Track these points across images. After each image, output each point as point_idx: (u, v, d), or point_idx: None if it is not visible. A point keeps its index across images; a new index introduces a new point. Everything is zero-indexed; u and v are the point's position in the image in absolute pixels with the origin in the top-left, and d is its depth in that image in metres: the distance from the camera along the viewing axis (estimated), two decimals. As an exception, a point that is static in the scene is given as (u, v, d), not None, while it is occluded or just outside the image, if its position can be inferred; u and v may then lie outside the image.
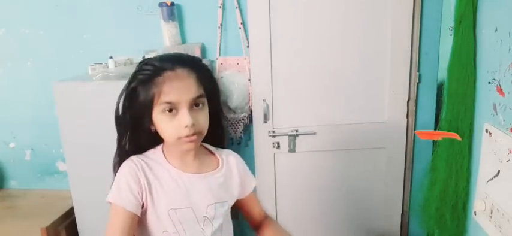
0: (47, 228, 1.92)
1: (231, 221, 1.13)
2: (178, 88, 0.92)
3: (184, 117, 0.92)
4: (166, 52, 1.98)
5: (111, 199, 0.98)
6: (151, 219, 0.98)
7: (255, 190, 1.16)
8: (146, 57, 1.96)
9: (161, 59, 0.97)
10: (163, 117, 0.93)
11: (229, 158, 1.10)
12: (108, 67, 1.87)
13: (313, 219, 2.20)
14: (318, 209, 2.18)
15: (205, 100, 0.97)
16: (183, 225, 0.98)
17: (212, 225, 1.02)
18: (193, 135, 0.93)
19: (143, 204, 0.97)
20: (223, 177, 1.06)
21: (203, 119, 0.96)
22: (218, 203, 1.03)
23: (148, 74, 0.94)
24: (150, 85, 0.92)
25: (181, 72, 0.93)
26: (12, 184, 2.43)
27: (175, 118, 0.93)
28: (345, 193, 2.15)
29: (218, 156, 1.09)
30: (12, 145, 2.37)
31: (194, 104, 0.94)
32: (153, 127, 0.98)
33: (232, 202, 1.09)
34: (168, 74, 0.92)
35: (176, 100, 0.92)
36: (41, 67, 2.21)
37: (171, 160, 1.02)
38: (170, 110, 0.92)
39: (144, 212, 0.98)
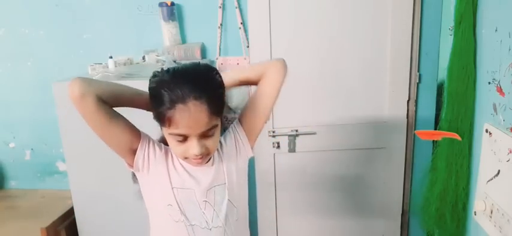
0: (47, 228, 1.92)
1: (246, 226, 1.18)
2: (189, 124, 0.92)
3: (193, 147, 0.95)
4: (166, 52, 1.98)
5: None
6: (160, 191, 1.05)
7: (240, 116, 1.14)
8: (146, 57, 1.97)
9: (176, 79, 0.93)
10: (172, 140, 0.97)
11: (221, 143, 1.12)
12: (108, 67, 1.87)
13: (313, 219, 2.20)
14: (318, 209, 2.18)
15: (218, 126, 0.98)
16: (184, 205, 1.04)
17: (214, 210, 1.06)
18: (201, 157, 0.98)
19: (146, 159, 1.02)
20: (217, 164, 1.08)
21: (212, 144, 0.99)
22: (216, 186, 1.07)
23: (161, 97, 0.92)
24: (162, 109, 0.92)
25: (194, 105, 0.90)
26: (12, 184, 2.44)
27: (185, 144, 0.96)
28: (345, 193, 2.15)
29: None
30: (12, 145, 2.37)
31: (207, 132, 0.95)
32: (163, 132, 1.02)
33: (233, 169, 1.09)
34: (179, 107, 0.90)
35: (186, 133, 0.94)
36: (41, 67, 2.21)
37: None
38: (181, 137, 0.95)
39: (153, 183, 1.05)
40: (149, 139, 1.04)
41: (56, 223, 1.99)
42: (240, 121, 1.12)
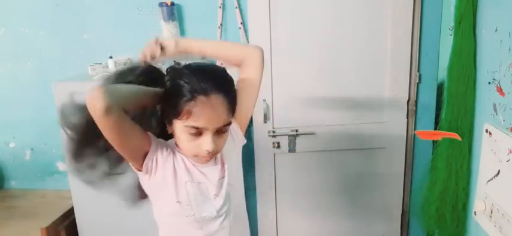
0: (47, 228, 1.92)
1: (245, 215, 1.21)
2: (209, 117, 0.92)
3: (207, 143, 0.94)
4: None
5: None
6: (168, 190, 1.03)
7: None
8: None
9: (197, 74, 0.94)
10: (185, 134, 0.95)
11: None
12: (108, 67, 1.87)
13: (313, 219, 2.20)
14: (318, 209, 2.18)
15: (230, 124, 1.00)
16: (197, 199, 1.04)
17: (222, 199, 1.07)
18: (210, 155, 0.98)
19: (154, 163, 1.00)
20: (218, 157, 1.08)
21: (223, 142, 1.00)
22: (222, 179, 1.08)
23: (180, 89, 0.92)
24: (181, 100, 0.91)
25: (216, 99, 0.92)
26: (12, 184, 2.43)
27: (198, 139, 0.95)
28: (345, 193, 2.15)
29: None
30: (12, 145, 2.37)
31: (223, 128, 0.96)
32: (170, 129, 1.01)
33: (233, 159, 1.12)
34: (201, 99, 0.90)
35: (204, 127, 0.93)
36: (41, 67, 2.21)
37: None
38: (196, 131, 0.94)
39: (161, 183, 1.02)
40: (157, 141, 1.03)
41: (56, 223, 1.99)
42: None
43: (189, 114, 0.91)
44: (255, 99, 1.15)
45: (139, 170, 1.02)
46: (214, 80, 0.94)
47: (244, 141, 1.17)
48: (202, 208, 1.05)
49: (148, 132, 1.01)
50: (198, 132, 0.94)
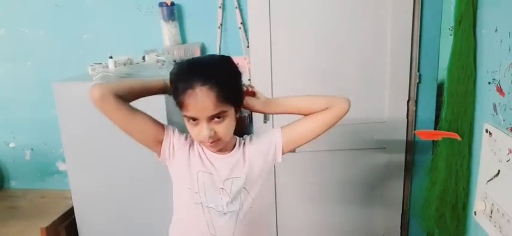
0: (47, 228, 1.92)
1: (262, 216, 1.24)
2: (196, 107, 1.00)
3: (202, 130, 1.02)
4: (166, 52, 1.98)
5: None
6: (182, 175, 1.14)
7: (284, 127, 1.17)
8: (146, 57, 1.97)
9: (189, 68, 1.03)
10: (187, 123, 1.06)
11: (246, 142, 1.18)
12: (108, 67, 1.87)
13: (313, 219, 2.20)
14: (318, 209, 2.18)
15: (227, 112, 1.03)
16: (205, 188, 1.13)
17: (229, 197, 1.14)
18: (212, 142, 1.04)
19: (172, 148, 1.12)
20: (237, 158, 1.15)
21: (223, 129, 1.04)
22: (234, 178, 1.14)
23: (177, 85, 1.02)
24: (177, 94, 1.02)
25: (200, 91, 0.98)
26: (12, 184, 2.44)
27: (197, 127, 1.03)
28: (345, 193, 2.15)
29: (236, 141, 1.18)
30: (12, 145, 2.37)
31: (215, 117, 1.01)
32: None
33: (253, 174, 1.15)
34: (189, 92, 0.99)
35: (196, 116, 1.01)
36: (41, 67, 2.21)
37: None
38: (193, 119, 1.03)
39: (177, 168, 1.14)
40: (173, 129, 1.13)
41: (56, 223, 1.99)
42: (284, 130, 1.17)
43: (182, 105, 1.01)
44: (315, 136, 1.15)
45: (159, 156, 1.13)
46: (201, 73, 1.00)
47: (279, 161, 1.18)
48: (210, 197, 1.13)
49: (166, 124, 1.13)
50: (195, 121, 1.02)
